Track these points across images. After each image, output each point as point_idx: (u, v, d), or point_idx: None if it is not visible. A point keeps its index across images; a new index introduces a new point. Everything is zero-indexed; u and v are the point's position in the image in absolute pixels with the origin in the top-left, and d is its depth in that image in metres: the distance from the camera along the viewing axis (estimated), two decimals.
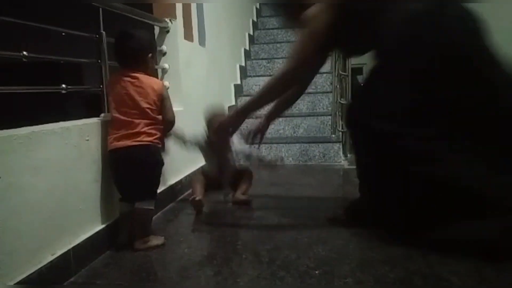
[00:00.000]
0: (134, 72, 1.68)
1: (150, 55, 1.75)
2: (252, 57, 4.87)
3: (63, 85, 1.65)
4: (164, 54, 2.53)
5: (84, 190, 1.57)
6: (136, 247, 1.65)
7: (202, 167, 2.36)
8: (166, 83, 2.55)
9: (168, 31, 2.52)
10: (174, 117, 1.77)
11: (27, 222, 1.27)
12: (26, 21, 1.46)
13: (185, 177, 2.53)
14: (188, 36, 2.72)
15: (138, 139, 1.62)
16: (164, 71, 2.56)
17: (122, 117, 1.63)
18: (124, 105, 1.65)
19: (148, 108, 1.65)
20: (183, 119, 2.55)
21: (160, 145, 1.72)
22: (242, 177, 2.31)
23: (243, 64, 4.60)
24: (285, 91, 1.74)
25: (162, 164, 1.73)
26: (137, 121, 1.63)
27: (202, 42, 3.03)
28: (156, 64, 2.52)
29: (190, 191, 2.33)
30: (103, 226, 1.66)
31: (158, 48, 2.50)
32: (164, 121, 1.73)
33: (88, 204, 1.60)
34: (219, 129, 1.90)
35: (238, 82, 4.33)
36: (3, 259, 1.17)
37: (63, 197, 1.45)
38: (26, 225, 1.27)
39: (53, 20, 1.65)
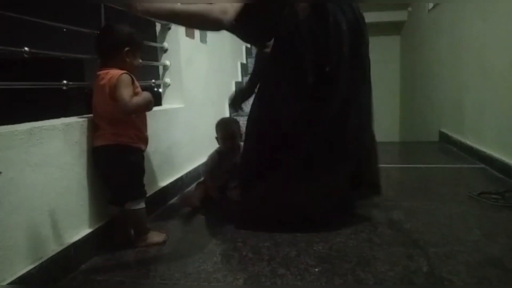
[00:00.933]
0: (108, 68, 1.58)
1: (126, 49, 1.60)
2: (254, 55, 4.85)
3: (64, 81, 1.65)
4: (166, 51, 2.53)
5: (84, 186, 1.57)
6: (136, 244, 1.66)
7: (205, 176, 2.35)
8: (167, 80, 2.56)
9: (169, 28, 2.51)
10: (127, 103, 1.48)
11: (27, 218, 1.27)
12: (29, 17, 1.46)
13: (186, 174, 2.53)
14: (189, 33, 2.72)
15: (108, 139, 1.57)
16: (166, 68, 2.56)
17: (95, 117, 1.61)
18: (96, 103, 1.59)
19: (108, 106, 1.55)
20: (184, 116, 2.56)
21: (132, 144, 1.62)
22: None
23: (245, 61, 4.60)
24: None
25: (134, 163, 1.64)
26: (101, 121, 1.59)
27: (203, 39, 3.03)
28: (158, 61, 2.53)
29: (189, 188, 2.33)
30: (105, 221, 1.67)
31: (159, 45, 2.50)
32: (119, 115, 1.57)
33: (89, 200, 1.60)
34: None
35: (240, 79, 4.33)
36: (3, 254, 1.18)
37: (64, 192, 1.45)
38: (26, 220, 1.27)
39: (53, 17, 1.65)
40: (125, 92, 1.48)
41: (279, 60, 1.83)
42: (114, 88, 1.50)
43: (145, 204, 1.67)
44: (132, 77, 1.57)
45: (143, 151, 1.69)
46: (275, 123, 1.81)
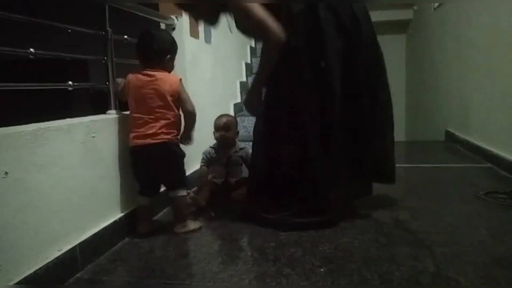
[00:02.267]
0: (152, 71, 1.74)
1: (168, 56, 1.79)
2: (258, 55, 4.85)
3: (70, 82, 1.66)
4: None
5: (90, 187, 1.58)
6: (176, 231, 1.79)
7: (211, 175, 2.38)
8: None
9: (174, 28, 2.51)
10: (193, 108, 1.81)
11: (34, 218, 1.28)
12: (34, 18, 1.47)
13: (191, 173, 2.53)
14: (194, 33, 2.72)
15: (157, 137, 1.71)
16: None
17: (141, 116, 1.72)
18: (143, 104, 1.72)
19: (164, 107, 1.72)
20: None
21: (178, 140, 1.81)
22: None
23: (249, 61, 4.59)
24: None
25: (182, 156, 1.82)
26: (154, 121, 1.71)
27: (208, 39, 3.03)
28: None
29: (195, 188, 2.33)
30: (110, 222, 1.67)
31: None
32: (184, 114, 1.81)
33: (94, 200, 1.60)
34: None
35: (244, 79, 4.33)
36: (10, 254, 1.18)
37: (69, 193, 1.46)
38: (33, 221, 1.28)
39: (58, 18, 1.65)
40: (188, 97, 1.79)
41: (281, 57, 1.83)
42: (177, 92, 1.74)
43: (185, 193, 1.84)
44: None
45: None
46: (282, 119, 1.85)
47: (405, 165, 3.41)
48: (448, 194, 2.34)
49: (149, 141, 1.70)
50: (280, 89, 1.88)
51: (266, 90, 1.96)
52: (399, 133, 7.37)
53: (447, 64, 4.45)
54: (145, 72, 1.75)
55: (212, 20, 2.01)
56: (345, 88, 1.80)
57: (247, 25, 1.90)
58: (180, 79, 1.79)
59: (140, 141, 1.71)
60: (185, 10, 2.10)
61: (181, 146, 1.85)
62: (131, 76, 1.78)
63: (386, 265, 1.41)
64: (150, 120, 1.71)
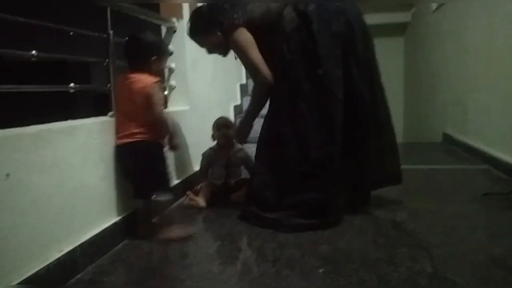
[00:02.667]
0: (136, 73, 1.75)
1: (154, 57, 1.79)
2: None
3: (71, 84, 1.67)
4: (171, 53, 2.54)
5: (91, 188, 1.59)
6: (158, 237, 1.73)
7: (210, 177, 2.40)
8: (173, 82, 2.57)
9: (175, 31, 2.53)
10: (158, 113, 1.72)
11: (35, 219, 1.29)
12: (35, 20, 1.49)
13: (191, 175, 2.54)
14: None
15: (131, 137, 1.71)
16: (171, 70, 2.58)
17: (121, 117, 1.74)
18: (123, 105, 1.74)
19: (138, 108, 1.71)
20: (189, 118, 2.58)
21: (159, 143, 1.79)
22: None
23: None
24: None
25: (161, 159, 1.78)
26: (129, 121, 1.72)
27: None
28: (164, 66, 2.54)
29: (195, 189, 2.34)
30: (110, 223, 1.68)
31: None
32: (152, 119, 1.73)
33: (95, 202, 1.62)
34: (239, 139, 2.30)
35: (244, 82, 4.34)
36: (11, 255, 1.19)
37: (71, 194, 1.47)
38: (34, 222, 1.29)
39: (61, 20, 1.67)
40: (158, 100, 1.71)
41: (279, 74, 1.95)
42: (148, 94, 1.68)
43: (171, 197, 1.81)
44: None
45: (163, 146, 1.84)
46: (285, 125, 1.90)
47: (403, 166, 3.42)
48: (446, 196, 2.35)
49: (124, 140, 1.71)
50: (281, 99, 1.95)
51: (269, 103, 2.06)
52: (397, 135, 7.39)
53: (445, 66, 4.47)
54: (128, 74, 1.76)
55: (223, 53, 2.20)
56: (345, 93, 1.84)
57: (242, 61, 2.07)
58: (156, 82, 1.73)
59: (118, 141, 1.73)
60: (200, 45, 2.21)
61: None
62: (118, 78, 1.81)
63: (384, 266, 1.42)
64: (126, 120, 1.73)
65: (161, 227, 1.76)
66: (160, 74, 1.85)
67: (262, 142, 2.01)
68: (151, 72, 1.78)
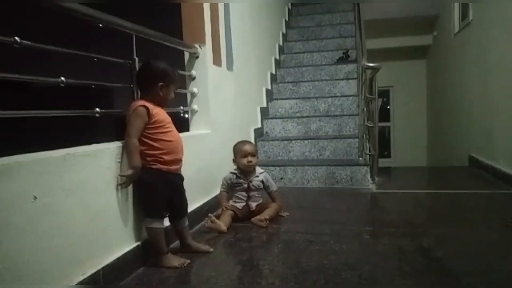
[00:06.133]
0: (143, 99, 1.75)
1: (161, 84, 1.76)
2: (278, 81, 4.91)
3: (97, 109, 1.70)
4: (194, 78, 2.59)
5: (114, 211, 1.60)
6: (155, 264, 1.71)
7: (232, 200, 2.40)
8: (195, 106, 2.61)
9: (197, 57, 2.58)
10: (126, 134, 1.66)
11: (59, 242, 1.30)
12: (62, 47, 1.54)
13: (212, 198, 2.54)
14: (216, 61, 2.78)
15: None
16: (193, 95, 2.61)
17: None
18: None
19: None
20: (210, 141, 2.59)
21: (149, 166, 1.70)
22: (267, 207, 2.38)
23: (269, 87, 4.65)
24: None
25: (148, 183, 1.70)
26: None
27: (230, 66, 3.09)
28: (185, 89, 2.58)
29: (216, 213, 2.33)
30: (133, 246, 1.69)
31: (188, 73, 2.56)
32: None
33: (118, 225, 1.63)
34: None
35: (264, 105, 4.37)
36: (36, 278, 1.21)
37: (95, 218, 1.48)
38: (58, 245, 1.30)
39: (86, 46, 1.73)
40: (132, 125, 1.65)
41: None
42: (128, 117, 1.67)
43: (163, 225, 1.75)
44: (148, 109, 1.68)
45: (165, 172, 1.74)
46: None
47: (428, 190, 3.35)
48: (474, 222, 2.28)
49: None
50: None
51: None
52: (421, 159, 7.30)
53: (469, 88, 4.41)
54: (138, 99, 1.79)
55: None
56: None
57: None
58: (140, 106, 1.68)
59: None
60: None
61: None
62: None
63: None
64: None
65: (155, 255, 1.72)
66: (167, 102, 1.82)
67: None
68: (158, 98, 1.77)
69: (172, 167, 1.77)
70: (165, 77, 1.79)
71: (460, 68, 4.80)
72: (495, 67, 3.50)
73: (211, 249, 1.90)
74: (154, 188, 1.72)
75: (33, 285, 1.20)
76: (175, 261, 1.72)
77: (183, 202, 1.89)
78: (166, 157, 1.74)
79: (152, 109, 1.70)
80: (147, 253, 1.75)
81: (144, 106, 1.68)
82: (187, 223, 1.90)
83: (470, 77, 4.34)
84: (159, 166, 1.72)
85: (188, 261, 1.74)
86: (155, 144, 1.71)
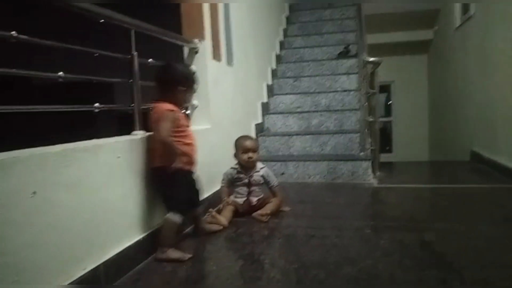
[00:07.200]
0: (159, 101, 1.81)
1: (180, 87, 1.84)
2: (279, 76, 4.89)
3: (96, 104, 1.70)
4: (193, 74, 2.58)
5: (114, 206, 1.60)
6: (156, 256, 1.74)
7: (232, 195, 2.40)
8: (195, 102, 2.60)
9: (197, 52, 2.57)
10: (162, 136, 1.73)
11: (59, 237, 1.30)
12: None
13: (213, 193, 2.54)
14: (216, 56, 2.77)
15: (153, 163, 1.80)
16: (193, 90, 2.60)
17: (151, 140, 1.81)
18: (151, 129, 1.82)
19: (154, 134, 1.78)
20: (211, 136, 2.58)
21: (174, 166, 1.75)
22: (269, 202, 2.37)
23: (270, 82, 4.63)
24: None
25: (171, 182, 1.77)
26: (152, 146, 1.80)
27: (230, 61, 3.08)
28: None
29: (217, 208, 2.33)
30: (133, 242, 1.68)
31: None
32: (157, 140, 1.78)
33: (117, 220, 1.62)
34: None
35: (265, 100, 4.36)
36: (37, 272, 1.20)
37: (94, 213, 1.48)
38: (58, 240, 1.30)
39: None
40: (164, 128, 1.72)
41: None
42: (158, 119, 1.74)
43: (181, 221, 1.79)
44: (175, 113, 1.79)
45: (186, 171, 1.85)
46: None
47: (430, 185, 3.35)
48: (475, 216, 2.27)
49: (150, 165, 1.81)
50: None
51: None
52: (423, 153, 7.30)
53: (470, 82, 4.39)
54: (157, 100, 1.83)
55: None
56: None
57: None
58: (168, 110, 1.77)
59: (149, 165, 1.81)
60: None
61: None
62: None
63: None
64: (150, 146, 1.81)
65: (161, 246, 1.75)
66: (184, 104, 1.90)
67: None
68: (176, 101, 1.83)
69: (192, 167, 1.90)
70: (186, 82, 1.88)
71: (461, 63, 4.78)
72: (497, 61, 3.48)
73: (225, 225, 2.11)
74: (178, 186, 1.80)
75: (33, 285, 1.20)
76: (178, 254, 1.74)
77: (198, 192, 2.02)
78: (187, 158, 1.83)
79: (178, 114, 1.81)
80: (148, 248, 1.75)
81: (172, 110, 1.77)
82: (201, 210, 2.03)
83: (471, 71, 4.32)
84: (181, 166, 1.78)
85: (190, 255, 1.74)
86: (183, 147, 1.81)
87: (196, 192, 1.99)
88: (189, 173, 1.90)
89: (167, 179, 1.76)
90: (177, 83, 1.84)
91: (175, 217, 1.76)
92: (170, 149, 1.75)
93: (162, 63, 1.88)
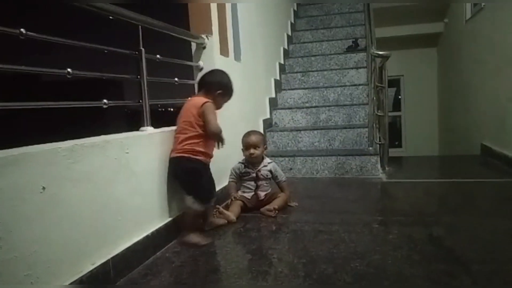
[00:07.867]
0: (201, 96, 1.99)
1: (219, 91, 2.03)
2: (287, 71, 4.88)
3: (105, 100, 1.71)
4: (201, 69, 2.58)
5: (122, 202, 1.62)
6: (180, 239, 1.90)
7: (240, 190, 2.41)
8: None
9: (204, 47, 2.57)
10: (216, 128, 1.91)
11: (68, 232, 1.32)
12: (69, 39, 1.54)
13: (221, 189, 2.55)
14: (224, 51, 2.77)
15: (178, 151, 1.90)
16: None
17: (176, 134, 1.95)
18: (179, 122, 1.96)
19: (188, 124, 1.90)
20: None
21: (199, 156, 1.91)
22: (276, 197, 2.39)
23: (278, 77, 4.62)
24: None
25: (198, 172, 1.92)
26: (180, 136, 1.91)
27: (237, 57, 3.07)
28: (193, 79, 2.58)
29: (225, 203, 2.34)
30: (142, 236, 1.70)
31: (195, 64, 2.56)
32: (208, 133, 1.92)
33: (126, 215, 1.64)
34: None
35: (273, 95, 4.35)
36: (46, 267, 1.22)
37: (103, 208, 1.49)
38: (67, 235, 1.31)
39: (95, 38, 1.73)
40: (212, 117, 1.90)
41: None
42: (201, 111, 1.89)
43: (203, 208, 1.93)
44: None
45: (207, 165, 2.00)
46: None
47: (439, 180, 3.32)
48: (485, 210, 2.25)
49: (173, 154, 1.92)
50: None
51: None
52: (433, 148, 7.22)
53: (481, 76, 4.34)
54: (195, 96, 2.03)
55: None
56: None
57: None
58: (206, 102, 1.92)
59: (171, 154, 1.92)
60: None
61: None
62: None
63: (420, 283, 1.37)
64: (178, 137, 1.92)
65: (187, 229, 1.90)
66: (218, 108, 2.04)
67: None
68: (213, 102, 1.96)
69: (210, 160, 2.02)
70: (226, 88, 2.07)
71: (472, 55, 4.72)
72: (509, 53, 3.43)
73: (233, 220, 2.15)
74: (206, 176, 1.98)
75: (32, 285, 1.22)
76: (198, 238, 1.88)
77: (215, 185, 2.11)
78: (210, 152, 2.00)
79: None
80: (157, 243, 1.77)
81: (211, 102, 1.94)
82: (212, 203, 2.07)
83: (482, 64, 4.27)
84: (205, 159, 1.95)
85: (205, 242, 1.87)
86: (205, 141, 1.93)
87: (213, 184, 2.09)
88: (208, 165, 2.02)
89: (196, 169, 1.90)
90: (218, 87, 2.03)
91: (200, 206, 1.89)
92: (219, 139, 1.97)
93: (210, 69, 2.13)
